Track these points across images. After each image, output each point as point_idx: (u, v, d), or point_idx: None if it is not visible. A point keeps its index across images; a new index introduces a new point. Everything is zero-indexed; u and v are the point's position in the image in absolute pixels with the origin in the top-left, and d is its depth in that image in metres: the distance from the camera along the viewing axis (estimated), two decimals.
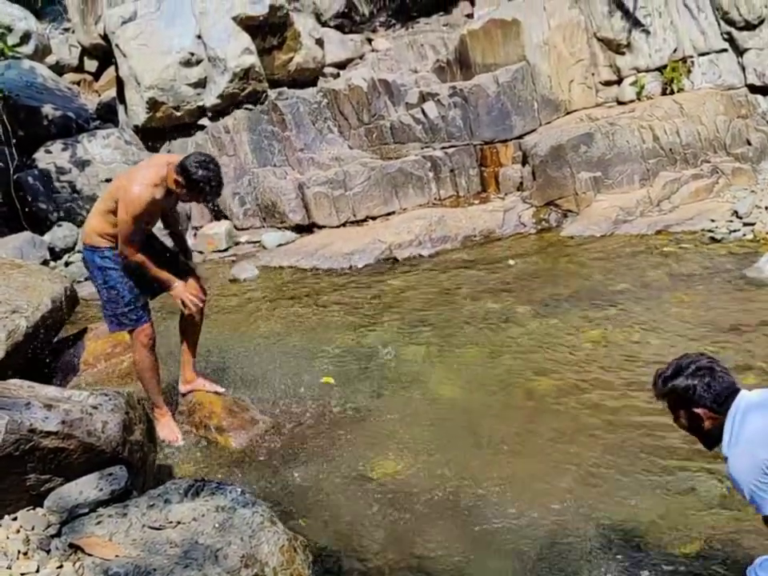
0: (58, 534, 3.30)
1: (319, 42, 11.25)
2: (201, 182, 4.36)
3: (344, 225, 9.15)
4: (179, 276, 4.71)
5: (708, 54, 8.99)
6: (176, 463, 4.64)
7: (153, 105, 9.75)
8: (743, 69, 8.91)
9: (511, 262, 7.82)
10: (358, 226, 9.12)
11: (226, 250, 9.22)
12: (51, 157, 9.75)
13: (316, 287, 7.87)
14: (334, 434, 4.92)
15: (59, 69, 13.50)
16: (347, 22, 15.67)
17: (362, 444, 4.77)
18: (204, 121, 10.10)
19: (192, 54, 9.77)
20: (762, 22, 8.82)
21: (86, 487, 3.45)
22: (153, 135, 10.11)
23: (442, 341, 6.24)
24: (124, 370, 5.74)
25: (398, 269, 8.10)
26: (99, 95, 13.11)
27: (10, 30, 12.20)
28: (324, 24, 14.88)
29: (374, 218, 9.16)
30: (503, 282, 7.38)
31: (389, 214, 9.17)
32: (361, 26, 15.67)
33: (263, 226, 9.56)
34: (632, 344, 5.73)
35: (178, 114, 9.94)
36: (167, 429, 4.88)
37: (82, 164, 9.70)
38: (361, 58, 12.43)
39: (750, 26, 8.85)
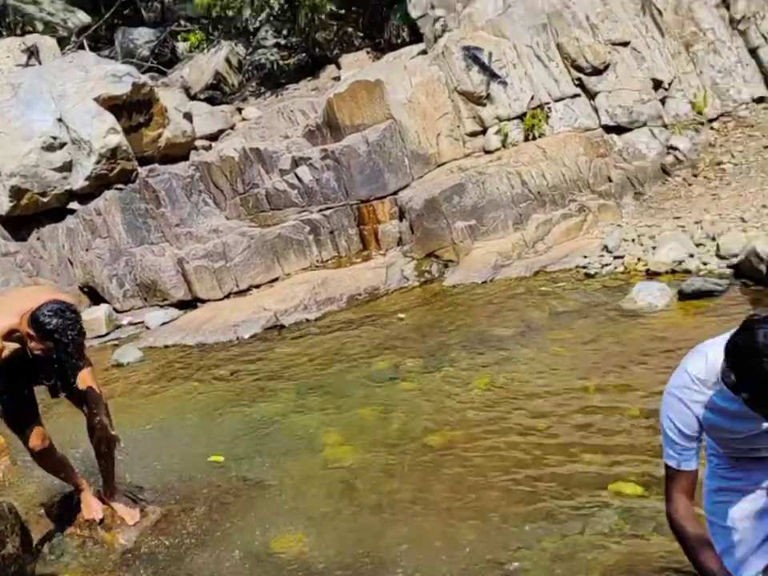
0: None
1: (188, 116, 11.21)
2: (55, 332, 3.75)
3: (228, 296, 9.03)
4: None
5: (563, 99, 9.43)
6: (58, 570, 4.35)
7: (16, 193, 9.43)
8: (596, 111, 9.38)
9: (401, 315, 7.86)
10: (242, 296, 9.01)
11: (106, 334, 8.92)
12: None
13: (203, 363, 7.67)
14: (228, 513, 4.73)
15: None
16: (217, 93, 15.76)
17: (258, 520, 4.60)
18: (74, 204, 9.85)
19: (54, 138, 9.54)
20: (607, 67, 9.34)
21: None
22: (20, 223, 9.75)
23: (335, 404, 6.15)
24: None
25: (285, 335, 8.00)
26: None
27: None
28: (194, 97, 14.93)
29: (257, 287, 9.08)
30: (391, 337, 7.38)
31: (272, 281, 9.13)
32: (230, 97, 15.78)
33: (145, 306, 9.31)
34: (519, 386, 5.79)
35: (45, 199, 9.65)
36: (90, 507, 4.61)
37: None
38: (232, 128, 12.49)
39: (597, 72, 9.36)
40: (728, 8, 10.03)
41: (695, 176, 9.11)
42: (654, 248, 7.74)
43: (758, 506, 2.64)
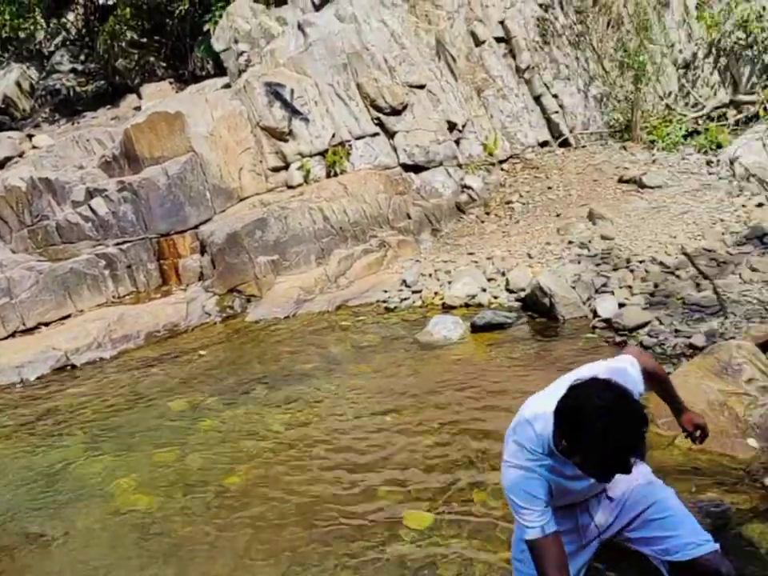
0: None
1: None
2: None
3: (12, 335, 8.41)
4: None
5: (363, 137, 9.67)
6: None
7: None
8: (395, 150, 9.69)
9: (202, 352, 7.66)
10: (29, 334, 8.43)
11: None
12: None
13: None
14: (6, 574, 4.37)
15: None
16: (5, 118, 14.82)
17: None
18: None
19: None
20: (405, 107, 9.70)
21: None
22: None
23: (130, 447, 5.87)
24: None
25: (77, 376, 7.57)
26: None
27: None
28: None
29: (46, 324, 8.53)
30: (191, 375, 7.18)
31: (63, 318, 8.61)
32: (21, 122, 14.89)
33: None
34: (319, 422, 5.79)
35: None
36: None
37: None
38: (21, 155, 11.77)
39: (395, 112, 9.69)
40: (514, 58, 10.75)
41: (487, 214, 9.61)
42: (449, 282, 8.05)
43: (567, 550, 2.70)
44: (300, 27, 9.97)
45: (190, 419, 6.21)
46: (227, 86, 11.06)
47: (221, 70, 12.57)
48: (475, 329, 6.97)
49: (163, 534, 4.61)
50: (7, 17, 15.76)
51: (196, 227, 9.16)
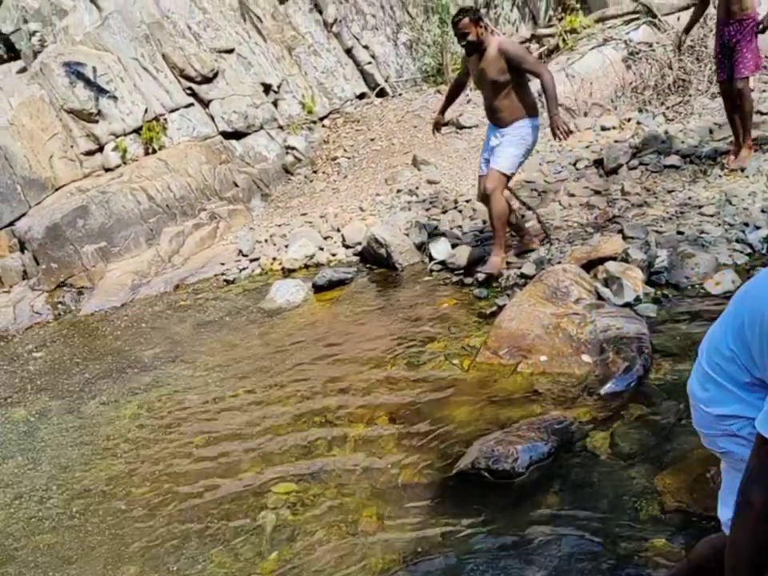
0: None
1: None
2: None
3: None
4: None
5: (177, 109, 9.36)
6: None
7: None
8: (212, 118, 9.46)
9: (37, 354, 7.28)
10: None
11: None
12: None
13: None
14: None
15: None
16: None
17: None
18: None
19: None
20: (216, 74, 9.46)
21: None
22: None
23: None
24: None
25: None
26: None
27: None
28: None
29: None
30: (29, 379, 6.82)
31: None
32: None
33: None
34: (172, 406, 5.67)
35: None
36: None
37: None
38: None
39: (207, 80, 9.43)
40: (320, 12, 10.68)
41: (315, 172, 9.61)
42: (286, 246, 8.03)
43: None
44: (92, 0, 9.46)
45: (35, 426, 5.92)
46: (23, 69, 10.36)
47: (14, 54, 11.76)
48: (317, 289, 7.00)
49: (15, 547, 4.41)
50: None
51: (11, 224, 8.62)
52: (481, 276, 6.03)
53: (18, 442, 5.72)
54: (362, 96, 10.71)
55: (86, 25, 9.38)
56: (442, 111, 6.56)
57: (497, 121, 5.96)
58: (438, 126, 6.61)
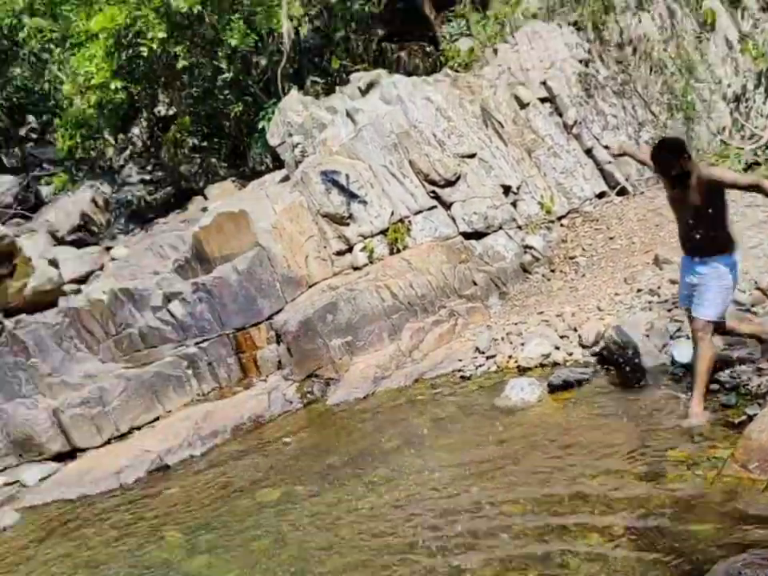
0: None
1: (53, 263, 11.04)
2: None
3: (108, 442, 8.76)
4: None
5: (421, 212, 9.87)
6: None
7: None
8: (453, 220, 9.86)
9: (287, 440, 7.83)
10: (123, 439, 8.76)
11: None
12: None
13: (86, 517, 7.34)
14: None
15: None
16: (85, 234, 15.66)
17: None
18: None
19: None
20: (458, 178, 9.90)
21: None
22: None
23: (226, 541, 6.02)
24: None
25: (171, 476, 7.81)
26: None
27: None
28: (61, 240, 14.78)
29: (138, 428, 8.87)
30: (279, 464, 7.33)
31: (154, 421, 8.94)
32: (99, 236, 15.70)
33: (20, 463, 8.88)
34: (408, 500, 5.83)
35: None
36: None
37: None
38: (101, 268, 12.38)
39: (450, 184, 9.89)
40: (560, 115, 10.90)
41: (552, 271, 9.64)
42: (522, 344, 8.07)
43: None
44: (349, 114, 10.35)
45: (282, 509, 6.32)
46: (286, 177, 11.49)
47: (279, 163, 13.07)
48: (552, 388, 6.96)
49: None
50: (78, 139, 16.78)
51: (270, 318, 9.43)
52: (685, 425, 5.62)
53: (268, 523, 6.14)
54: (601, 195, 10.68)
55: (342, 137, 10.25)
56: None
57: (692, 251, 5.66)
58: None
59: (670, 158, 5.39)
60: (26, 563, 6.70)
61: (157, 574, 5.80)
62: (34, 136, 25.15)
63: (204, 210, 14.12)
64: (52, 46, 18.38)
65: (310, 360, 8.80)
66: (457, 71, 11.39)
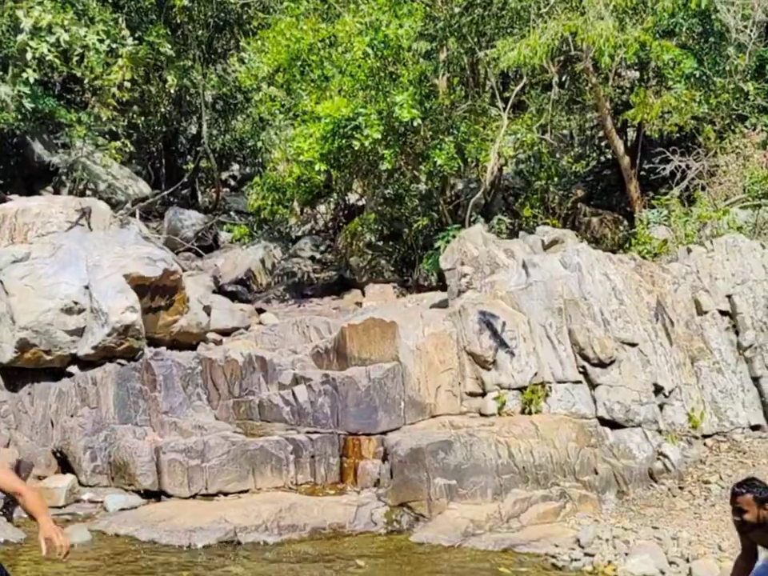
0: None
1: (207, 309, 11.57)
2: None
3: (194, 496, 8.85)
4: None
5: (565, 382, 9.63)
6: None
7: (23, 345, 9.62)
8: (594, 401, 9.55)
9: (360, 562, 7.63)
10: (209, 500, 8.83)
11: (63, 506, 8.70)
12: None
13: (147, 564, 7.41)
14: None
15: None
16: (243, 289, 16.36)
17: None
18: (73, 368, 9.98)
19: (75, 303, 9.87)
20: (612, 362, 9.63)
21: None
22: (16, 374, 9.86)
23: None
24: None
25: (239, 553, 7.77)
26: None
27: None
28: (221, 287, 15.50)
29: (225, 494, 8.92)
30: None
31: (242, 492, 8.97)
32: (256, 294, 16.35)
33: (110, 486, 9.16)
34: None
35: (48, 357, 9.82)
36: None
37: None
38: (247, 328, 12.81)
39: (602, 364, 9.63)
40: (737, 333, 10.47)
41: (681, 488, 9.07)
42: (626, 554, 7.59)
43: None
44: (524, 265, 10.38)
45: None
46: (444, 302, 11.60)
47: (442, 284, 13.25)
48: None
49: None
50: (269, 201, 17.74)
51: (384, 433, 9.37)
52: None
53: None
54: (756, 428, 10.06)
55: (511, 284, 10.27)
56: None
57: None
58: None
59: (748, 500, 4.82)
60: None
61: None
62: (232, 183, 26.92)
63: (358, 304, 14.47)
64: (277, 112, 19.74)
65: (409, 490, 8.61)
66: (644, 257, 11.25)
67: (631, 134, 17.12)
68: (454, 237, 13.22)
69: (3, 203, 14.34)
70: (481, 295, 10.35)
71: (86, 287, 10.02)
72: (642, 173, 15.18)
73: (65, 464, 9.45)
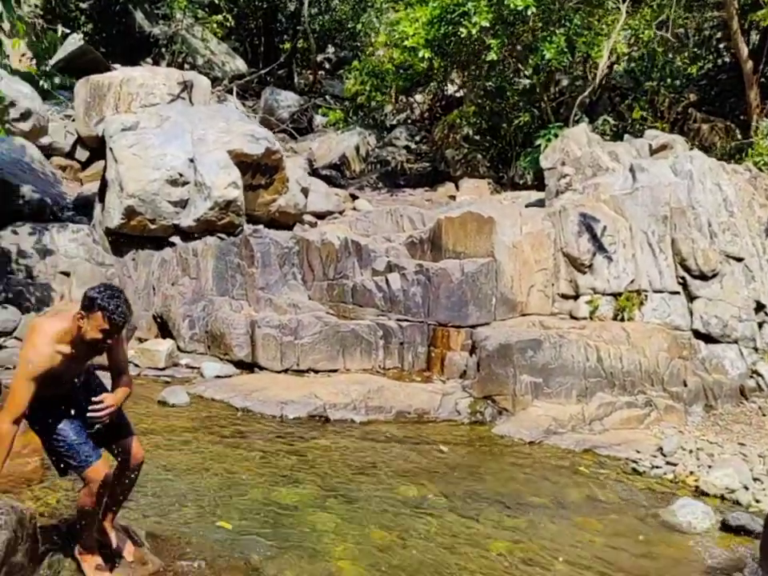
0: None
1: (304, 191, 11.66)
2: (105, 304, 3.87)
3: (286, 371, 9.18)
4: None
5: (662, 292, 9.47)
6: None
7: (130, 213, 9.92)
8: (691, 314, 9.38)
9: (443, 448, 7.85)
10: (299, 375, 9.15)
11: (163, 369, 9.15)
12: (16, 238, 9.76)
13: (242, 429, 7.77)
14: None
15: (50, 151, 13.71)
16: (336, 174, 16.36)
17: None
18: (175, 239, 10.27)
19: (180, 175, 10.05)
20: (715, 275, 9.39)
21: None
22: (122, 240, 10.22)
23: (354, 516, 6.13)
24: (27, 473, 5.61)
25: (327, 429, 8.06)
26: (82, 184, 13.29)
27: (13, 104, 12.49)
28: (314, 171, 15.54)
29: (316, 372, 9.22)
30: (427, 467, 7.35)
31: (331, 371, 9.25)
32: (349, 181, 16.35)
33: (206, 354, 9.55)
34: (537, 560, 5.68)
35: (152, 227, 10.11)
36: (98, 569, 4.49)
37: (45, 252, 9.71)
38: (341, 213, 12.89)
39: (703, 277, 9.41)
40: None
41: None
42: (709, 467, 7.59)
43: None
44: (632, 169, 10.07)
45: (414, 509, 6.36)
46: (541, 202, 11.40)
47: (539, 184, 12.98)
48: (725, 527, 6.49)
49: None
50: (367, 87, 17.48)
51: (473, 327, 9.45)
52: None
53: (396, 514, 6.20)
54: None
55: (615, 188, 10.01)
56: None
57: None
58: None
59: None
60: (177, 444, 7.21)
61: (281, 511, 6.01)
62: (327, 67, 26.56)
63: (451, 197, 14.34)
64: None
65: (494, 384, 8.73)
66: (760, 169, 10.75)
67: (754, 37, 16.08)
68: (555, 135, 12.86)
69: (108, 72, 14.53)
70: (582, 197, 10.13)
71: (191, 160, 10.19)
72: (763, 80, 14.33)
73: (164, 329, 9.87)
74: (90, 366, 4.48)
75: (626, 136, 13.18)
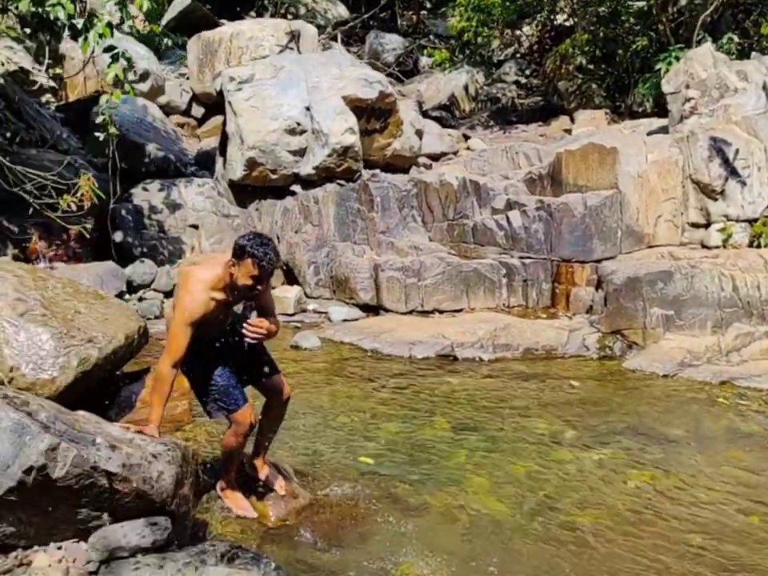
0: (96, 572, 3.38)
1: (418, 133, 11.61)
2: (256, 251, 3.99)
3: (410, 313, 9.29)
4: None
5: None
6: (211, 522, 4.68)
7: (251, 164, 10.15)
8: None
9: (574, 383, 7.80)
10: (424, 317, 9.24)
11: (292, 314, 9.42)
12: (147, 194, 10.18)
13: (372, 370, 7.95)
14: (367, 522, 4.92)
15: (168, 109, 14.15)
16: (447, 115, 16.19)
17: (393, 540, 4.76)
18: (296, 187, 10.47)
19: (298, 124, 10.18)
20: None
21: (130, 532, 3.53)
22: (245, 192, 10.49)
23: (488, 450, 6.20)
24: (177, 415, 5.90)
25: (456, 367, 8.14)
26: (200, 140, 13.69)
27: (131, 66, 12.89)
28: (424, 113, 15.43)
29: (440, 312, 9.29)
30: (558, 402, 7.33)
31: (455, 311, 9.29)
32: (459, 121, 16.16)
33: (331, 299, 9.76)
34: (677, 494, 5.60)
35: (273, 177, 10.32)
36: (241, 504, 4.83)
37: (174, 206, 10.09)
38: (455, 153, 12.79)
39: None
40: None
41: None
42: None
43: None
44: (764, 87, 9.53)
45: (548, 445, 6.37)
46: (664, 129, 10.97)
47: (659, 111, 12.47)
48: None
49: (501, 546, 4.81)
50: (473, 23, 17.12)
51: (598, 261, 9.27)
52: None
53: (530, 448, 6.23)
54: None
55: (747, 108, 9.51)
56: None
57: None
58: None
59: None
60: (312, 386, 7.45)
61: (418, 447, 6.14)
62: (430, 6, 26.08)
63: (566, 131, 13.98)
64: None
65: (623, 318, 8.57)
66: None
67: None
68: (677, 58, 12.27)
69: (217, 27, 14.77)
70: (711, 120, 9.68)
71: (307, 108, 10.30)
72: None
73: (290, 276, 10.12)
74: (245, 309, 4.67)
75: (754, 53, 12.43)
